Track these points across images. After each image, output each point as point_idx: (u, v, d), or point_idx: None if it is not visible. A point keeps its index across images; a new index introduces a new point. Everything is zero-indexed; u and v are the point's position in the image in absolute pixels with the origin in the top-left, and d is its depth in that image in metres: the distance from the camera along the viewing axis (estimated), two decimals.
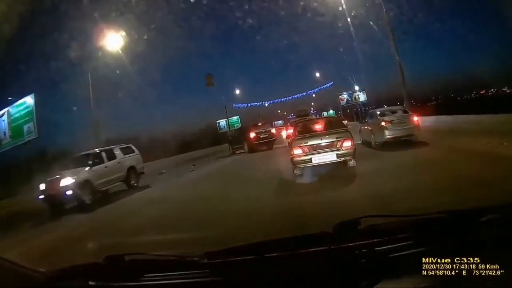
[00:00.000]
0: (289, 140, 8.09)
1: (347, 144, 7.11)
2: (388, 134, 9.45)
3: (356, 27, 25.14)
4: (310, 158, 7.16)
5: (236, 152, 21.17)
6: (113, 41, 19.12)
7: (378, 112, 10.94)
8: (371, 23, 22.14)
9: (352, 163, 7.18)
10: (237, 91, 41.91)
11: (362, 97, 43.14)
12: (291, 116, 52.08)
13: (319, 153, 7.15)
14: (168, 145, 33.89)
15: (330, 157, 7.12)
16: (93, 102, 20.31)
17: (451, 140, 9.35)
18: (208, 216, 5.47)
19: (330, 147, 7.15)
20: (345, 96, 43.78)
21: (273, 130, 21.05)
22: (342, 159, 7.14)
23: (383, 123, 9.91)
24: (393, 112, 10.66)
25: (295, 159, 7.28)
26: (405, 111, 10.75)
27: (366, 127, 11.53)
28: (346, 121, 25.30)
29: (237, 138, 22.05)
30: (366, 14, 22.90)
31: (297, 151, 7.25)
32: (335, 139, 7.18)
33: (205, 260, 1.39)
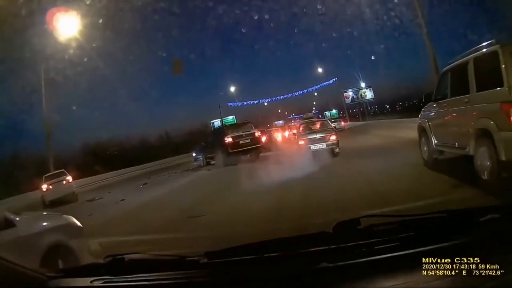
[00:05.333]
0: (295, 136, 13.35)
1: (332, 138, 11.37)
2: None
3: (363, 19, 24.18)
4: (310, 146, 11.32)
5: (211, 163, 15.87)
6: (71, 27, 15.24)
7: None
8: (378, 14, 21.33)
9: (337, 150, 11.24)
10: (233, 89, 39.09)
11: (369, 94, 39.69)
12: (292, 115, 51.96)
13: (314, 143, 11.33)
14: (143, 151, 30.94)
15: (321, 145, 11.24)
16: (45, 101, 17.63)
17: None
18: None
19: (322, 139, 11.36)
20: (350, 93, 40.21)
21: (258, 133, 15.29)
22: (330, 147, 11.19)
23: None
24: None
25: (300, 147, 11.68)
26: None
27: None
28: (343, 123, 30.59)
29: (212, 144, 16.05)
30: (373, 4, 22.06)
31: (301, 142, 11.80)
32: (324, 134, 11.57)
33: (205, 260, 1.39)
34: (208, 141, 17.21)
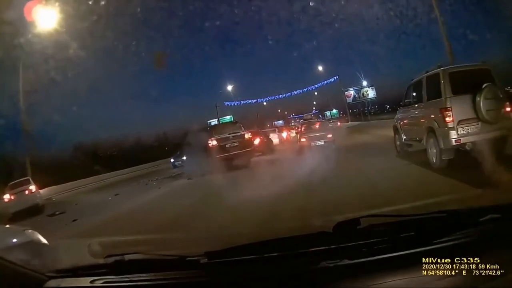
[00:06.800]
0: (298, 135, 16.73)
1: (329, 136, 13.86)
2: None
3: (365, 17, 23.56)
4: (310, 143, 13.58)
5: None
6: (51, 21, 12.95)
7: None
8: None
9: (333, 146, 13.21)
10: (231, 88, 37.44)
11: (371, 93, 38.71)
12: (292, 115, 51.88)
13: (315, 140, 13.67)
14: (136, 153, 29.29)
15: (320, 142, 13.48)
16: (22, 99, 15.95)
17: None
18: None
19: (320, 137, 13.76)
20: (351, 92, 39.18)
21: (248, 135, 12.95)
22: (327, 144, 13.35)
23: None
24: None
25: (302, 144, 14.11)
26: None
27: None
28: (339, 123, 29.91)
29: (195, 148, 13.67)
30: (374, 2, 21.43)
31: (303, 140, 14.26)
32: (323, 133, 14.09)
33: (205, 260, 1.39)
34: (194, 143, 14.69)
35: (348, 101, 40.00)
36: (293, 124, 39.72)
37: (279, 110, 49.75)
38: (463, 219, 1.35)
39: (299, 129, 17.89)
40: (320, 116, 46.10)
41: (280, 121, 43.66)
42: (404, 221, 1.39)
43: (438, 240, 1.24)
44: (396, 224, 1.37)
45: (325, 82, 39.93)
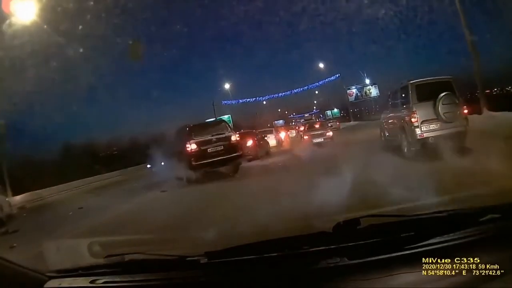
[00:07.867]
0: (301, 133, 19.25)
1: (329, 134, 16.22)
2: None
3: (367, 13, 23.22)
4: (312, 140, 15.75)
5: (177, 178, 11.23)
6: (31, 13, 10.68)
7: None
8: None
9: (331, 144, 15.09)
10: (228, 86, 35.88)
11: (374, 91, 37.79)
12: (293, 115, 51.75)
13: (316, 137, 15.94)
14: (124, 156, 27.82)
15: (320, 139, 15.78)
16: None
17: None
18: None
19: (320, 135, 16.07)
20: (354, 90, 38.53)
21: (235, 137, 10.82)
22: (327, 140, 15.74)
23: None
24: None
25: (304, 142, 16.46)
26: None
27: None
28: (338, 123, 29.95)
29: (173, 151, 11.84)
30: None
31: (306, 137, 16.56)
32: (322, 132, 16.45)
33: (205, 260, 1.39)
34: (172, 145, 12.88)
35: (350, 100, 39.19)
36: (293, 123, 39.53)
37: (279, 110, 49.18)
38: (463, 219, 1.36)
39: (301, 128, 21.03)
40: (321, 115, 46.00)
41: (281, 121, 42.84)
42: (404, 221, 1.39)
43: (438, 240, 1.24)
44: (396, 224, 1.38)
45: (326, 80, 39.01)
